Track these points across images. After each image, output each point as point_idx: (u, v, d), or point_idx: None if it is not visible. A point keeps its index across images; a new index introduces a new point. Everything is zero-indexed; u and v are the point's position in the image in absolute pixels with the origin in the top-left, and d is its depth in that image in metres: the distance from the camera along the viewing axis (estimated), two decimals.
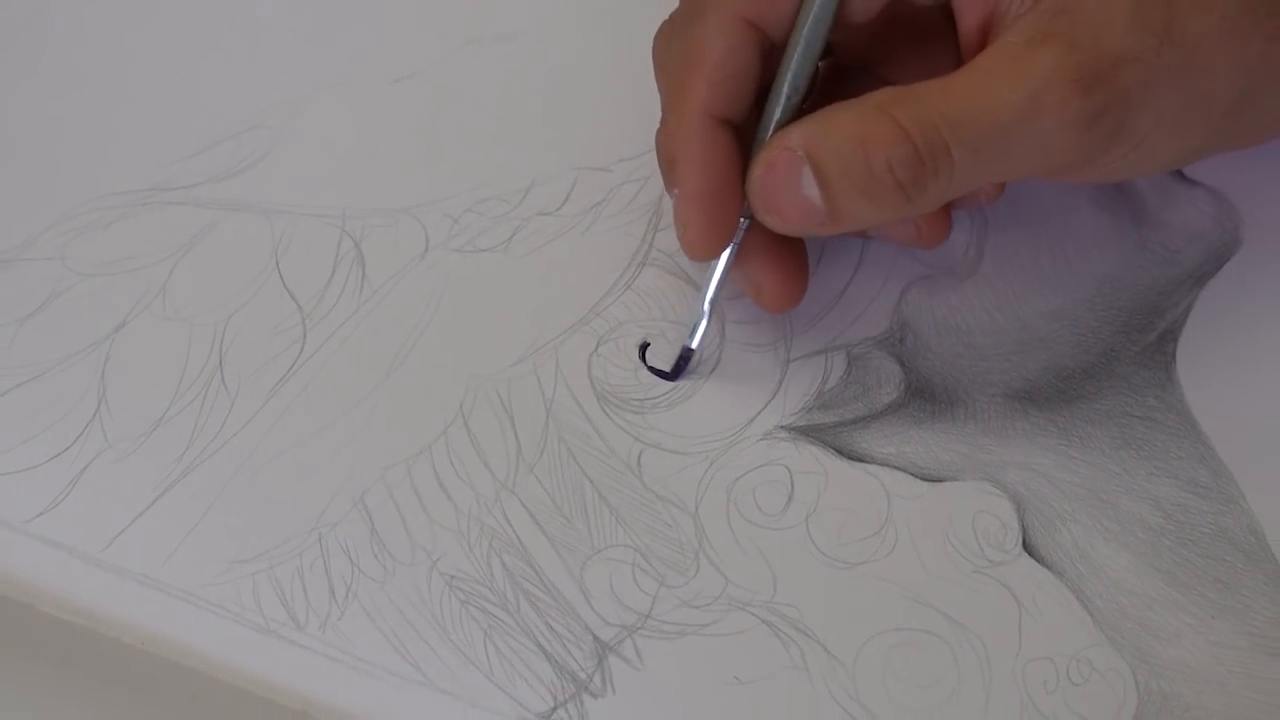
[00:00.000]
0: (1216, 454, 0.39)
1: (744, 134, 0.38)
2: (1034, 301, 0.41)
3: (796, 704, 0.36)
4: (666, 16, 0.39)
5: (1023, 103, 0.34)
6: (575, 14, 0.47)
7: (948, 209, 0.39)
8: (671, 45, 0.39)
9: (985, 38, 0.36)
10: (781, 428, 0.40)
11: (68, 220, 0.43)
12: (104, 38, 0.47)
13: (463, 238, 0.43)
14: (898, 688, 0.36)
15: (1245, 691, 0.36)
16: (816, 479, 0.39)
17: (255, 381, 0.40)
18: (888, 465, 0.39)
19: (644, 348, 0.41)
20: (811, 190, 0.36)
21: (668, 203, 0.43)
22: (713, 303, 0.39)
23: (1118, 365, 0.40)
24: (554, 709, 0.36)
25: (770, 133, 0.37)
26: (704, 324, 0.39)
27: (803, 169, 0.36)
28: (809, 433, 0.40)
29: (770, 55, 0.38)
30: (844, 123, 0.36)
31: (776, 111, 0.37)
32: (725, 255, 0.39)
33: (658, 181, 0.43)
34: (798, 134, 0.36)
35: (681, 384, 0.40)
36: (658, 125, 0.39)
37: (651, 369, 0.40)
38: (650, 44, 0.40)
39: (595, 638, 0.37)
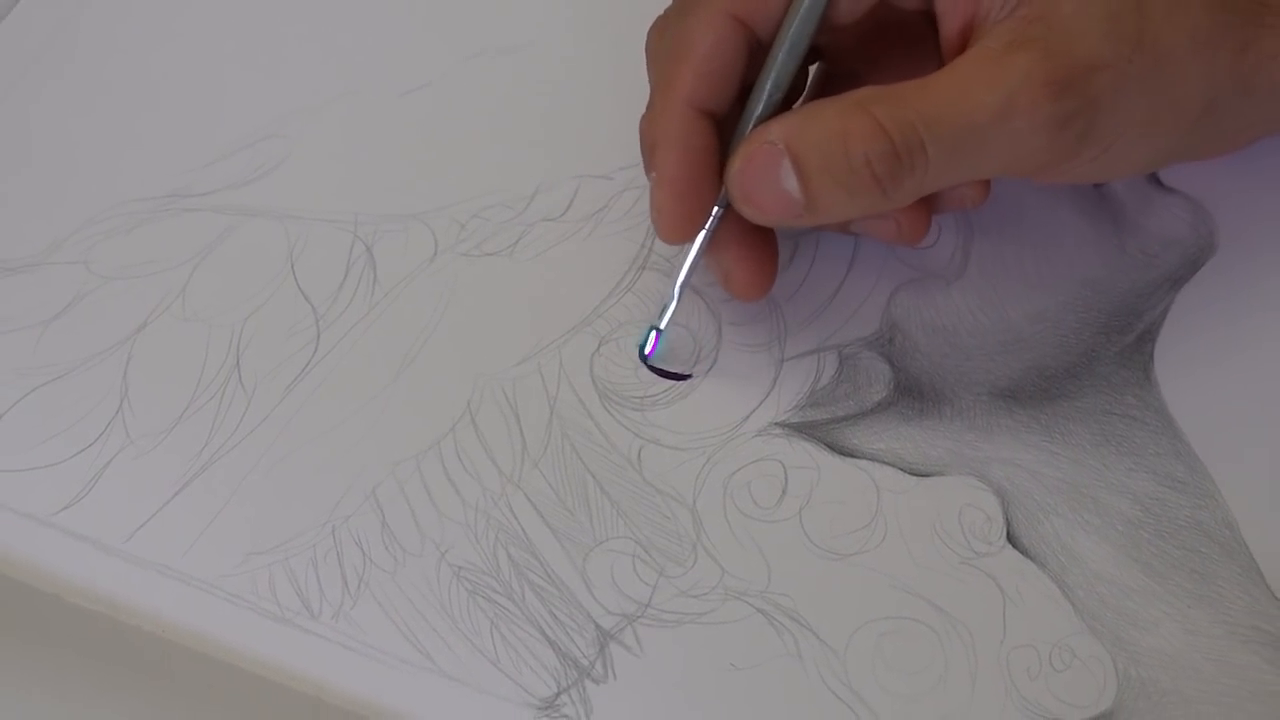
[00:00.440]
0: (1192, 450, 0.39)
1: (726, 127, 0.38)
2: (1017, 304, 0.41)
3: (790, 689, 0.36)
4: (660, 15, 0.39)
5: (997, 104, 0.34)
6: (576, 29, 0.47)
7: (927, 207, 0.39)
8: (663, 37, 0.39)
9: (965, 42, 0.36)
10: (776, 424, 0.40)
11: (91, 226, 0.43)
12: (127, 51, 0.47)
13: (470, 242, 0.43)
14: (887, 674, 0.36)
15: (1220, 678, 0.36)
16: (809, 474, 0.39)
17: (271, 380, 0.40)
18: (878, 460, 0.39)
19: (644, 347, 0.41)
20: (790, 183, 0.36)
21: None
22: (683, 286, 0.39)
23: (1098, 365, 0.40)
24: (558, 694, 0.36)
25: (751, 126, 0.37)
26: (673, 305, 0.39)
27: (782, 162, 0.36)
28: (802, 429, 0.40)
29: (757, 52, 0.38)
30: (825, 118, 0.36)
31: (759, 106, 0.37)
32: (698, 241, 0.38)
33: None
34: (779, 128, 0.36)
35: (680, 383, 0.40)
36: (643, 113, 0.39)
37: (651, 368, 0.40)
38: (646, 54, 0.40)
39: (597, 626, 0.37)
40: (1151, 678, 0.36)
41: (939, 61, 0.37)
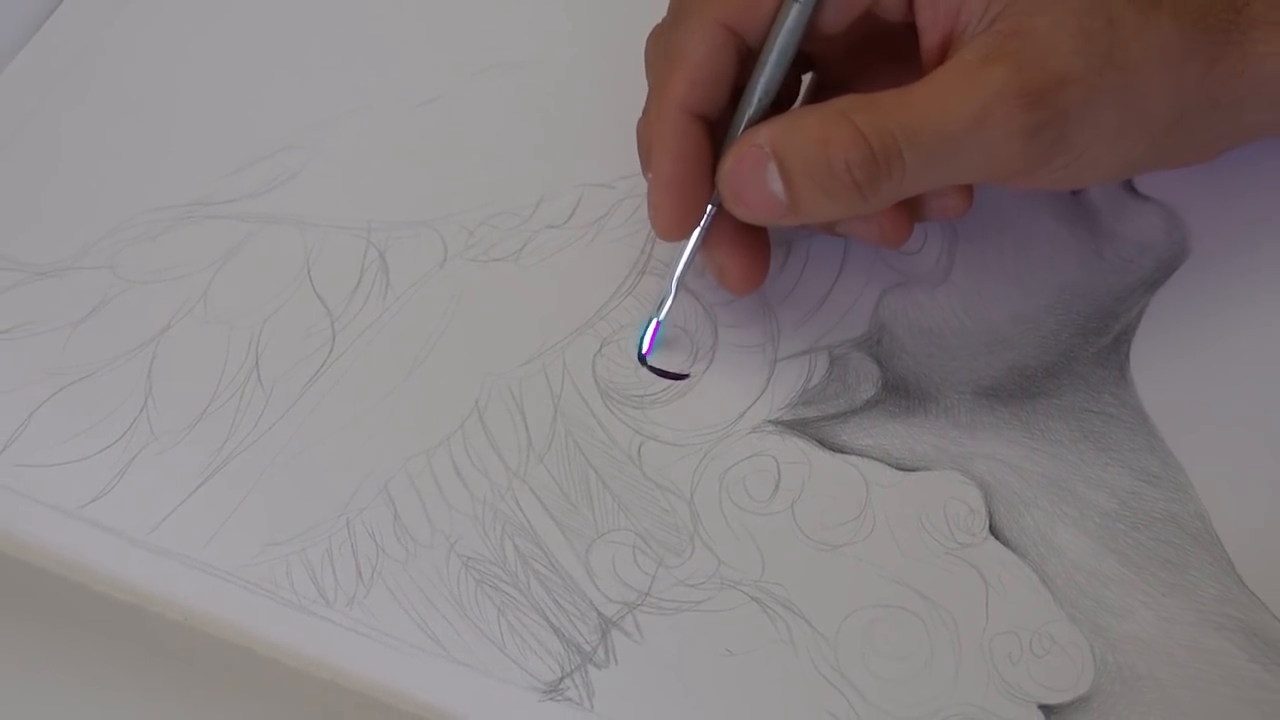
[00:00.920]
0: (1166, 446, 0.39)
1: (717, 130, 0.38)
2: (1000, 306, 0.41)
3: (783, 674, 0.36)
4: (657, 24, 0.39)
5: (972, 114, 0.35)
6: (578, 46, 0.47)
7: (909, 213, 0.39)
8: (659, 45, 0.39)
9: (944, 54, 0.36)
10: (769, 422, 0.40)
11: (118, 232, 0.43)
12: (152, 67, 0.47)
13: (478, 248, 0.43)
14: (876, 659, 0.36)
15: (1193, 663, 0.36)
16: (801, 468, 0.39)
17: (289, 379, 0.40)
18: (866, 456, 0.39)
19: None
20: (776, 184, 0.36)
21: None
22: (679, 281, 0.39)
23: (1076, 365, 0.40)
24: (561, 678, 0.36)
25: (741, 130, 0.37)
26: (670, 299, 0.39)
27: (769, 164, 0.36)
28: (794, 426, 0.39)
29: (747, 59, 0.38)
30: (808, 124, 0.36)
31: (748, 110, 0.37)
32: (693, 238, 0.38)
33: None
34: (766, 132, 0.36)
35: (678, 382, 0.40)
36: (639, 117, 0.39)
37: (650, 368, 0.40)
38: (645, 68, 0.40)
39: (599, 613, 0.37)
40: (1127, 663, 0.36)
41: (921, 72, 0.37)
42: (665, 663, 0.36)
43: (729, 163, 0.37)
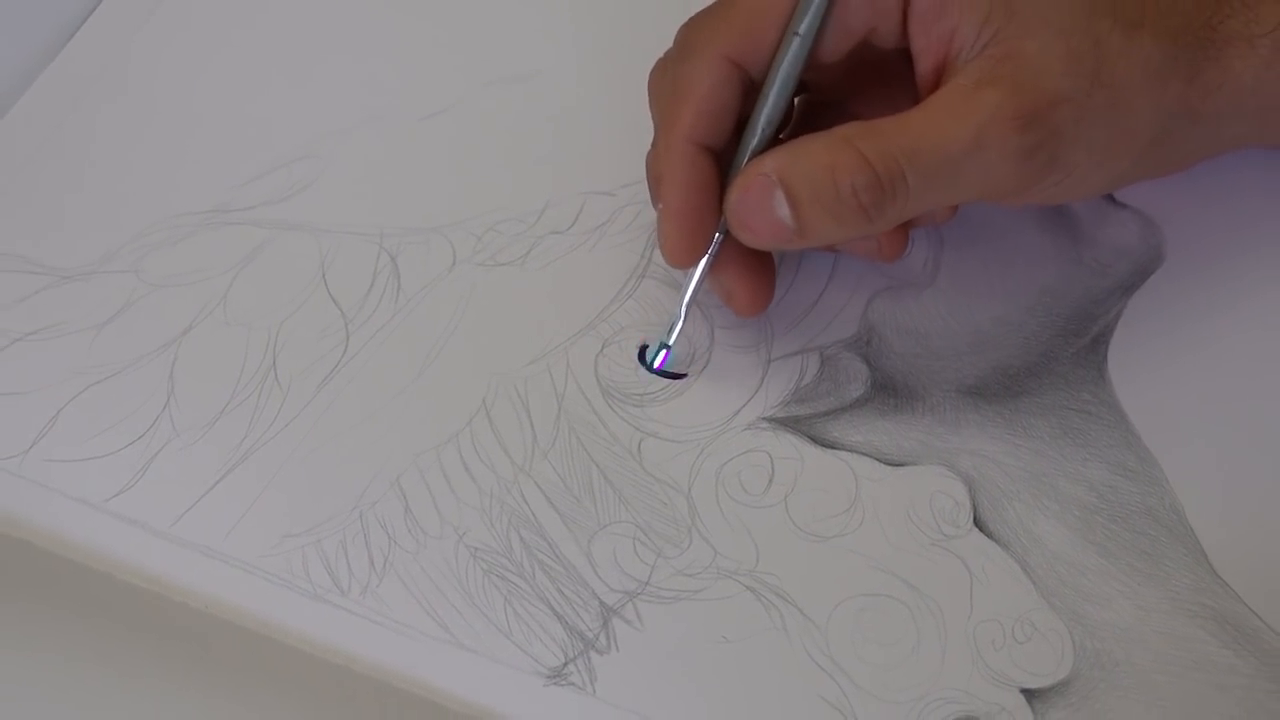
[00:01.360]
0: (1143, 442, 0.39)
1: (723, 159, 0.38)
2: (983, 309, 0.41)
3: (777, 660, 0.36)
4: (660, 58, 0.39)
5: (970, 137, 0.35)
6: (582, 58, 0.47)
7: (905, 227, 0.39)
8: (664, 79, 0.39)
9: (939, 79, 0.36)
10: (763, 419, 0.40)
11: (141, 237, 0.43)
12: (173, 80, 0.47)
13: (485, 253, 0.43)
14: (865, 646, 0.36)
15: (1168, 649, 0.36)
16: (794, 463, 0.39)
17: (304, 378, 0.40)
18: (856, 452, 0.39)
19: (643, 349, 0.41)
20: (783, 211, 0.36)
21: None
22: (688, 306, 0.39)
23: (1056, 365, 0.40)
24: (565, 664, 0.36)
25: (747, 159, 0.37)
26: (680, 324, 0.39)
27: (775, 192, 0.36)
28: (787, 423, 0.40)
29: (750, 91, 0.38)
30: (814, 152, 0.36)
31: (753, 140, 0.37)
32: (701, 264, 0.38)
33: None
34: (772, 161, 0.36)
35: (677, 381, 0.40)
36: (649, 149, 0.39)
37: (650, 368, 0.40)
38: (646, 82, 0.40)
39: (601, 602, 0.37)
40: (1105, 649, 0.36)
41: (915, 94, 0.37)
42: (664, 649, 0.36)
43: (736, 192, 0.36)
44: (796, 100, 0.39)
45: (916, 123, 0.35)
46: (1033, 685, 0.35)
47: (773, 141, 0.37)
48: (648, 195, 0.41)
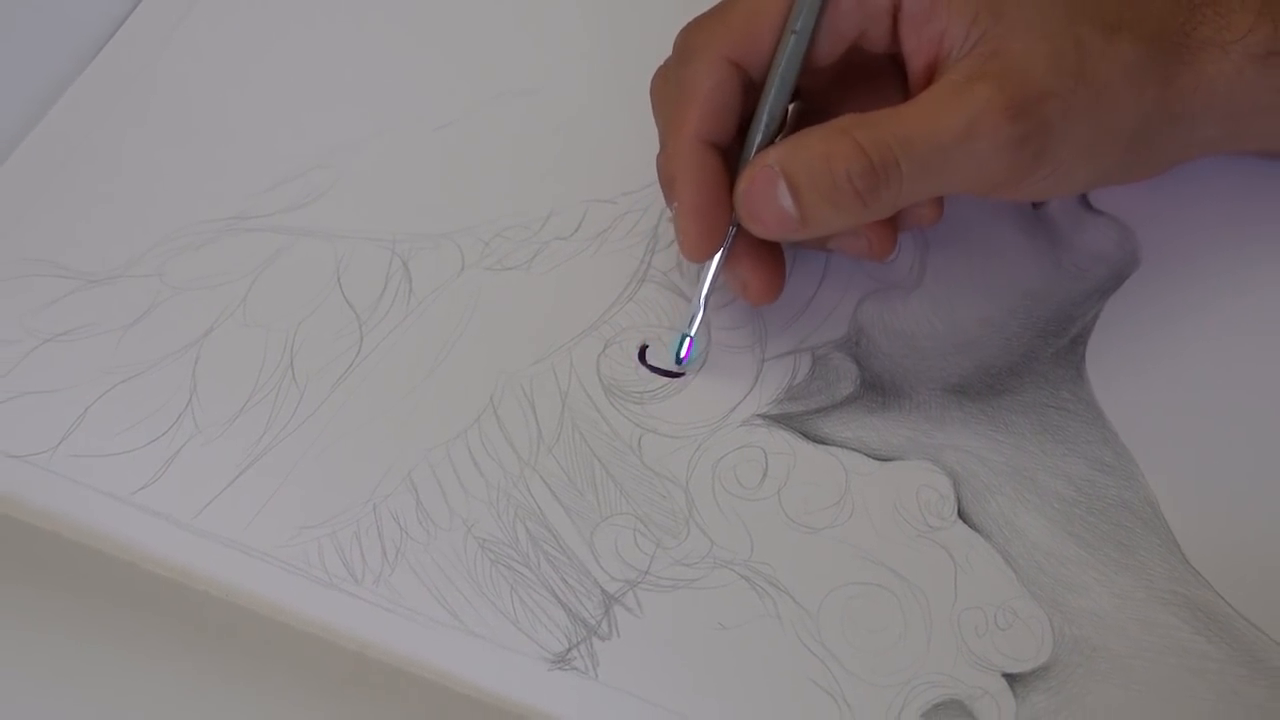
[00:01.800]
0: (1119, 438, 0.39)
1: (729, 155, 0.38)
2: (967, 311, 0.41)
3: (770, 645, 0.36)
4: (660, 65, 0.39)
5: (962, 127, 0.35)
6: (584, 73, 0.47)
7: (894, 229, 0.39)
8: (667, 83, 0.39)
9: (931, 78, 0.36)
10: (758, 416, 0.40)
11: (165, 243, 0.43)
12: (197, 93, 0.47)
13: (492, 258, 0.43)
14: (855, 632, 0.36)
15: (1143, 635, 0.36)
16: (787, 458, 0.39)
17: (320, 378, 0.40)
18: (846, 447, 0.39)
19: (643, 349, 0.41)
20: (786, 200, 0.36)
21: (664, 228, 0.43)
22: (707, 297, 0.39)
23: (1037, 364, 0.40)
24: (569, 650, 0.36)
25: (753, 153, 0.37)
26: (700, 315, 0.39)
27: (779, 183, 0.36)
28: (781, 420, 0.40)
29: (750, 90, 0.38)
30: (812, 143, 0.36)
31: (758, 135, 0.37)
32: (717, 257, 0.38)
33: (656, 211, 0.43)
34: (774, 154, 0.36)
35: (675, 380, 0.40)
36: (658, 151, 0.39)
37: (650, 367, 0.40)
38: (645, 97, 0.40)
39: (603, 590, 0.37)
40: (1084, 635, 0.36)
41: (901, 96, 0.37)
42: (663, 635, 0.36)
43: (743, 184, 0.36)
44: (790, 106, 0.39)
45: (910, 114, 0.35)
46: (1014, 670, 0.35)
47: (776, 137, 0.37)
48: (647, 203, 0.41)
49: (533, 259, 0.43)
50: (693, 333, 0.40)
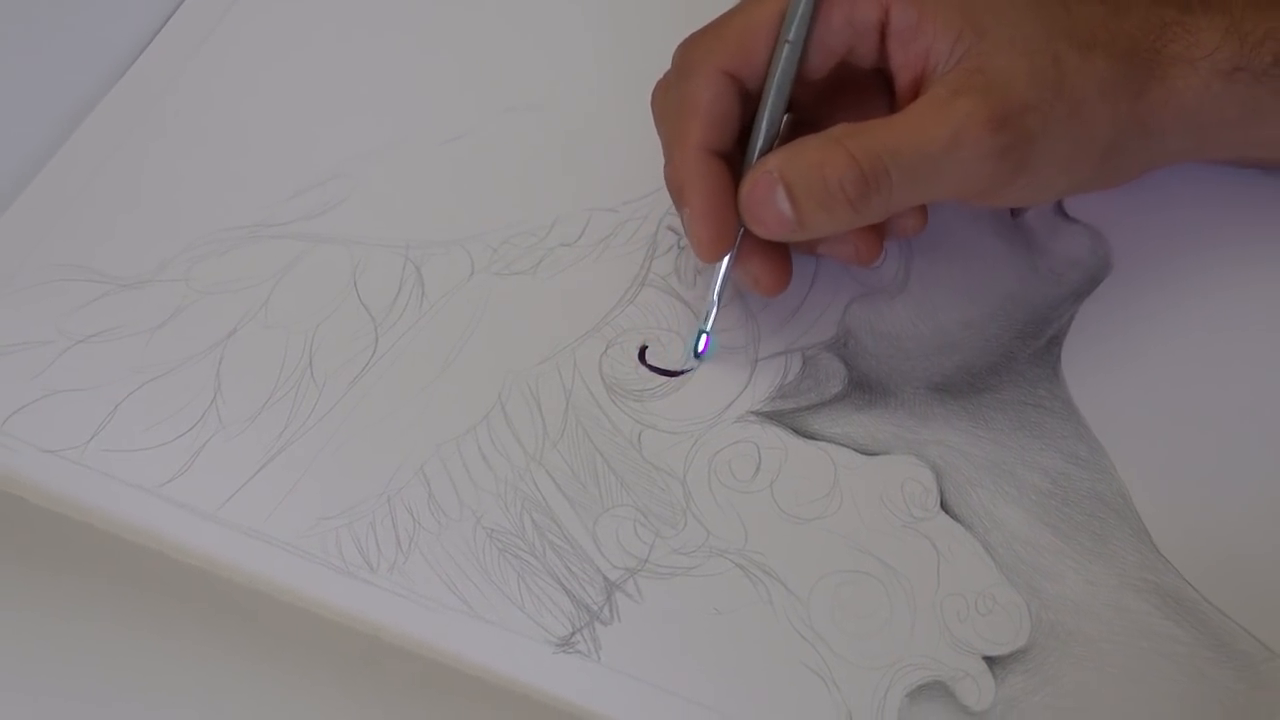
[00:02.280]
0: (1093, 433, 0.39)
1: (732, 162, 0.38)
2: (950, 314, 0.41)
3: (763, 630, 0.36)
4: (660, 79, 0.39)
5: (947, 137, 0.35)
6: (589, 89, 0.47)
7: (880, 236, 0.39)
8: (668, 97, 0.39)
9: (917, 91, 0.36)
10: (751, 413, 0.40)
11: (191, 249, 0.43)
12: (221, 108, 0.47)
13: (500, 263, 0.43)
14: (843, 617, 0.36)
15: (1115, 620, 0.36)
16: (779, 453, 0.39)
17: (338, 376, 0.40)
18: (835, 442, 0.39)
19: (643, 350, 0.41)
20: (784, 205, 0.36)
21: (663, 235, 0.43)
22: (720, 294, 0.39)
23: (1015, 364, 0.40)
24: (572, 633, 0.36)
25: (754, 159, 0.37)
26: (715, 311, 0.39)
27: (778, 188, 0.36)
28: (773, 416, 0.40)
29: (747, 101, 0.38)
30: (808, 151, 0.36)
31: (758, 142, 0.38)
32: (728, 257, 0.39)
33: (655, 219, 0.43)
34: (774, 160, 0.36)
35: (673, 379, 0.40)
36: (662, 166, 0.39)
37: (649, 367, 0.40)
38: (646, 110, 0.40)
39: (605, 578, 0.37)
40: (1059, 620, 0.36)
41: (888, 110, 0.37)
42: (662, 620, 0.36)
43: (745, 189, 0.37)
44: (785, 118, 0.40)
45: (900, 124, 0.35)
46: (994, 653, 0.36)
47: (774, 143, 0.38)
48: (646, 211, 0.41)
49: (539, 264, 0.43)
50: (708, 328, 0.40)
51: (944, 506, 0.38)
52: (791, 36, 0.37)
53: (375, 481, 0.38)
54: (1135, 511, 0.38)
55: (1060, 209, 0.43)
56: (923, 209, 0.39)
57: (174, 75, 0.48)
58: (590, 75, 0.48)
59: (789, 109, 0.39)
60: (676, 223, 0.43)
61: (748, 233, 0.38)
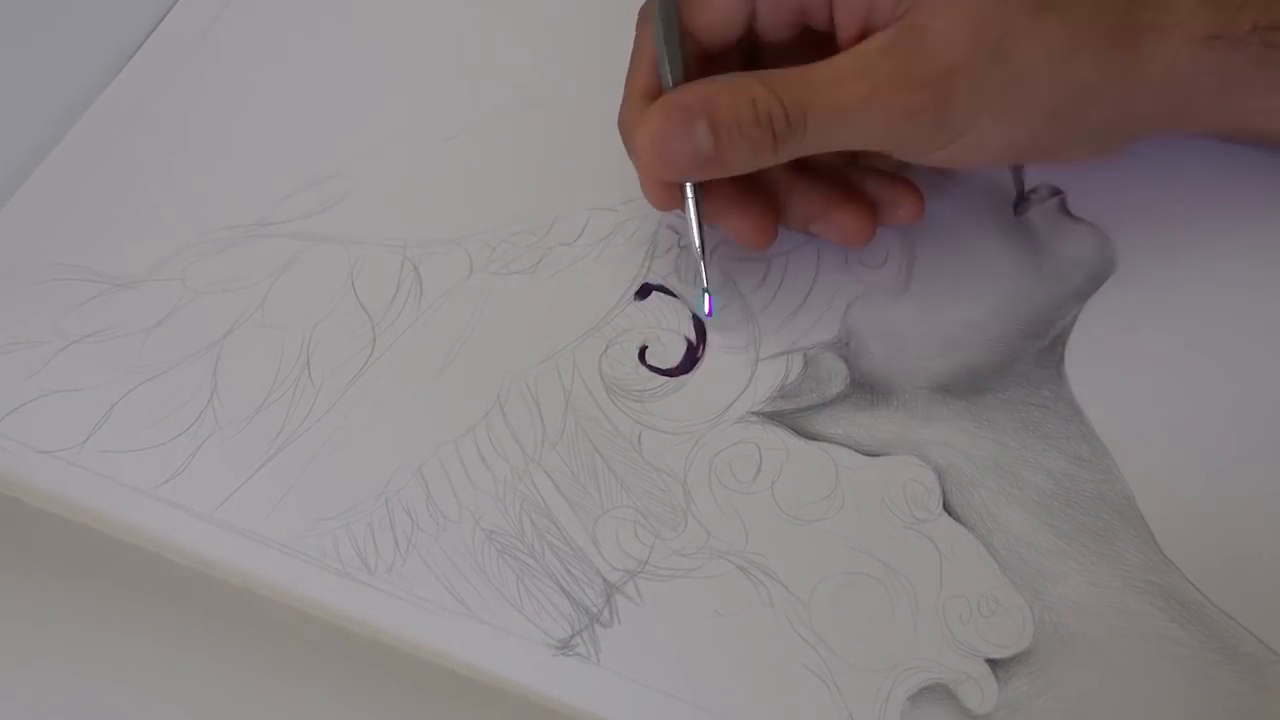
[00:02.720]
0: (1096, 434, 0.39)
1: None
2: (952, 313, 0.41)
3: (764, 632, 0.36)
4: None
5: (863, 92, 0.35)
6: (589, 88, 0.47)
7: (871, 218, 0.39)
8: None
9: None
10: (752, 413, 0.40)
11: (188, 249, 0.43)
12: (217, 106, 0.47)
13: (499, 263, 0.43)
14: (844, 619, 0.36)
15: (1119, 622, 0.36)
16: (780, 454, 0.39)
17: (335, 377, 0.40)
18: (836, 443, 0.39)
19: (643, 350, 0.41)
20: (704, 138, 0.36)
21: (663, 235, 0.43)
22: (701, 250, 0.39)
23: (1018, 364, 0.40)
24: (572, 636, 0.36)
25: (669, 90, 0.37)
26: (703, 265, 0.39)
27: (699, 121, 0.36)
28: (774, 417, 0.39)
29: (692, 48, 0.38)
30: (737, 86, 0.36)
31: (666, 78, 0.38)
32: (692, 210, 0.38)
33: (655, 218, 0.43)
34: (697, 91, 0.36)
35: (673, 379, 0.40)
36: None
37: (649, 367, 0.40)
38: None
39: (604, 580, 0.37)
40: (1063, 622, 0.36)
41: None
42: (662, 622, 0.36)
43: (656, 122, 0.37)
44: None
45: (817, 76, 0.36)
46: (996, 656, 0.35)
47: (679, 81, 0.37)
48: (646, 211, 0.41)
49: (538, 264, 0.43)
50: (705, 283, 0.39)
51: (946, 508, 0.38)
52: None
53: (373, 482, 0.38)
54: (1139, 513, 0.37)
55: (1065, 209, 0.43)
56: (919, 197, 0.39)
57: (169, 73, 0.48)
58: (590, 73, 0.47)
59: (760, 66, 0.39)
60: (677, 223, 0.43)
61: (718, 189, 0.38)
